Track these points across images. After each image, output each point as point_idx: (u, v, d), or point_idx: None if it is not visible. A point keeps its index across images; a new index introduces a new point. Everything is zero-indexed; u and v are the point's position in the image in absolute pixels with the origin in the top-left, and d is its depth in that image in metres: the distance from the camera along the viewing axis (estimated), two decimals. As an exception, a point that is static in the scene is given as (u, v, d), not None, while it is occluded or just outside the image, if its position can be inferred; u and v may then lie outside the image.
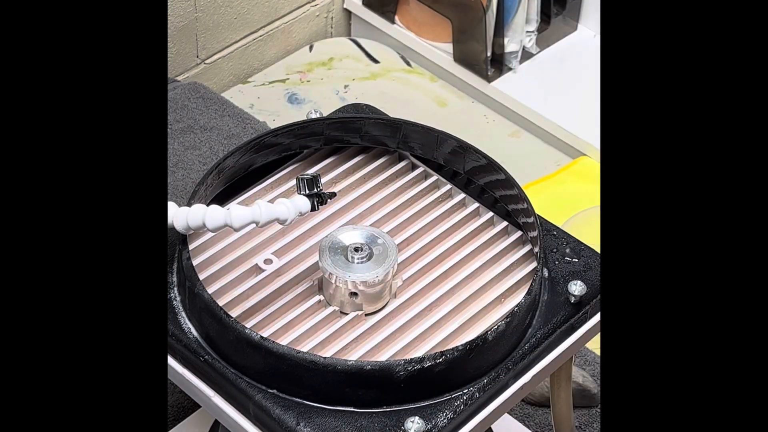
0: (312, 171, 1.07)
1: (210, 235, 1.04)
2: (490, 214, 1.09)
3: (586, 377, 1.42)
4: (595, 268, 1.03)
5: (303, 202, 0.97)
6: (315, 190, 0.98)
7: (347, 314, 0.99)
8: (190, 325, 0.97)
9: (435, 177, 1.12)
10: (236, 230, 0.94)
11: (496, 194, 1.08)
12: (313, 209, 0.98)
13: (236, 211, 0.93)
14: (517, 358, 0.97)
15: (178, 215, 0.94)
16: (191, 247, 1.01)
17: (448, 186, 1.12)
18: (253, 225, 0.95)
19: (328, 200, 1.00)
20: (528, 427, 1.38)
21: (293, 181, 1.09)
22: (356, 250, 0.99)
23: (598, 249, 1.01)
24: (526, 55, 1.94)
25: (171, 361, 0.97)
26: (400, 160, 1.15)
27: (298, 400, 0.91)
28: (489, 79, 1.91)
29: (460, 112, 1.93)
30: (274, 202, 0.96)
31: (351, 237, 1.01)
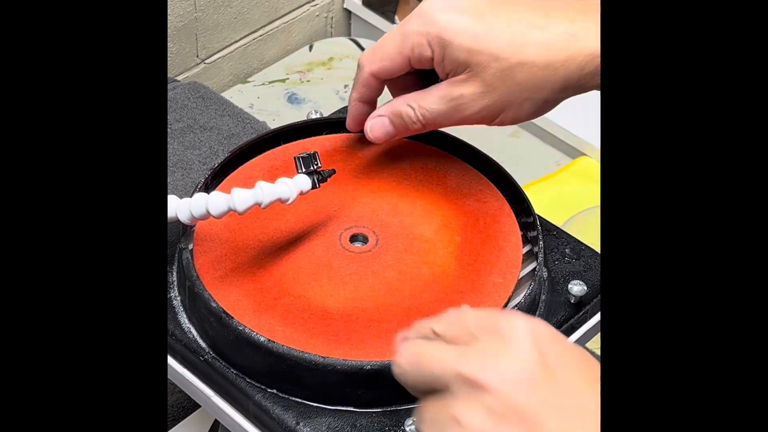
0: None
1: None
2: (490, 214, 1.09)
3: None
4: (595, 268, 1.03)
5: (304, 180, 0.97)
6: (313, 167, 0.97)
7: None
8: (190, 325, 0.97)
9: (435, 177, 1.12)
10: (240, 213, 0.94)
11: (496, 194, 1.08)
12: (314, 187, 0.98)
13: (238, 195, 0.93)
14: (517, 358, 0.97)
15: (180, 207, 0.94)
16: (191, 246, 1.01)
17: (448, 186, 1.12)
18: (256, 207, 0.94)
19: (329, 177, 0.99)
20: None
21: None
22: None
23: (598, 249, 1.01)
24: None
25: (171, 361, 0.97)
26: (400, 160, 1.15)
27: (298, 400, 0.91)
28: (489, 79, 1.90)
29: (460, 112, 1.92)
30: (275, 182, 0.95)
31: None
